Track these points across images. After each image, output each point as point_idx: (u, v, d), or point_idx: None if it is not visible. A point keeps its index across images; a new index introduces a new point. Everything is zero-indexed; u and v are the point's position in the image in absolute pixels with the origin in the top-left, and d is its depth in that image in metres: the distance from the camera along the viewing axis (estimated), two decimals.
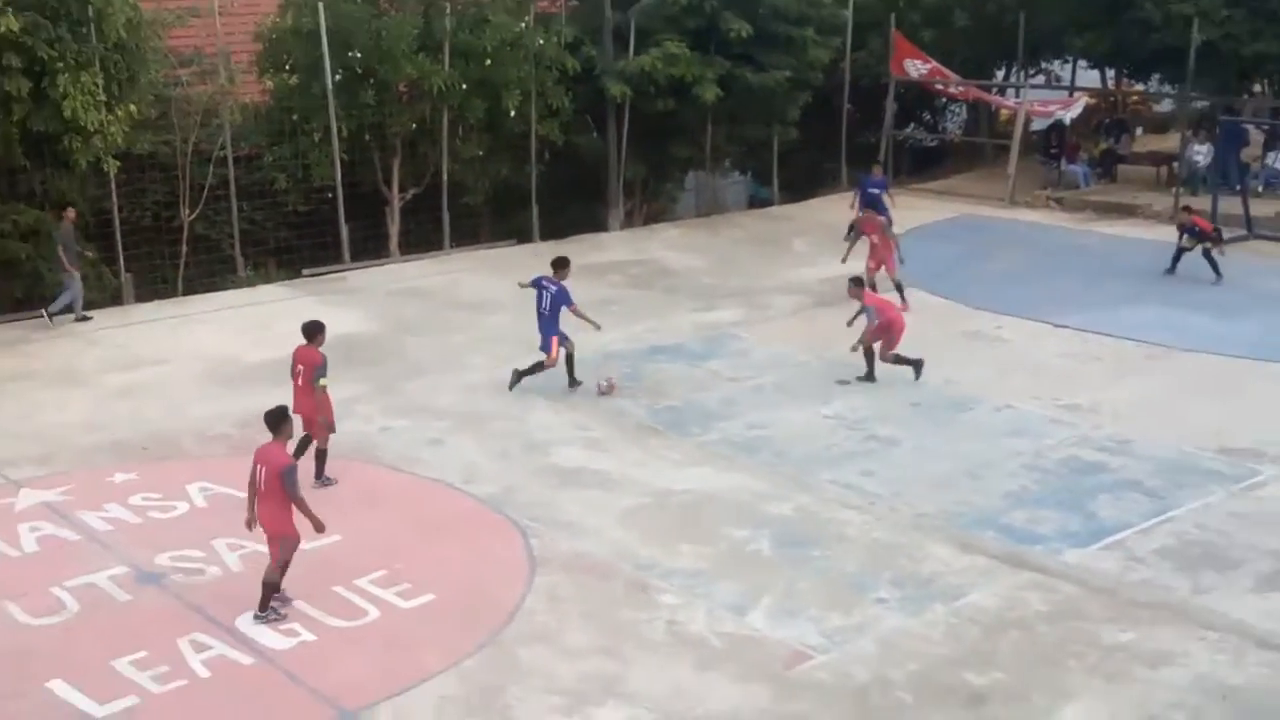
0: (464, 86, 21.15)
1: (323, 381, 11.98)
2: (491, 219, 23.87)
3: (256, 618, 9.79)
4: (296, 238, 21.10)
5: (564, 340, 14.85)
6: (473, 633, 9.63)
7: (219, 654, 9.36)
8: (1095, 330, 17.03)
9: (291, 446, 10.61)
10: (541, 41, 21.85)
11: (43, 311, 17.55)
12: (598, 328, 15.03)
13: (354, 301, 19.02)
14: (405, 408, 14.46)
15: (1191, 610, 9.91)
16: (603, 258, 21.68)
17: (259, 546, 10.93)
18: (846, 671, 9.11)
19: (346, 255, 21.04)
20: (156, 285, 19.61)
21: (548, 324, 14.81)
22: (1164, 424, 13.70)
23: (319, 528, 9.73)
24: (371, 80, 20.59)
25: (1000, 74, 30.43)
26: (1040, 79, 30.67)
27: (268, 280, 20.25)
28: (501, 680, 9.04)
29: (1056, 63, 31.04)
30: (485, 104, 21.45)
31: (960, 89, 28.34)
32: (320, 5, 20.01)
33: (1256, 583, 10.31)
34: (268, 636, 9.57)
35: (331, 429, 12.25)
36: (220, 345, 16.82)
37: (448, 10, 21.11)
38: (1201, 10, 24.36)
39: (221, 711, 8.79)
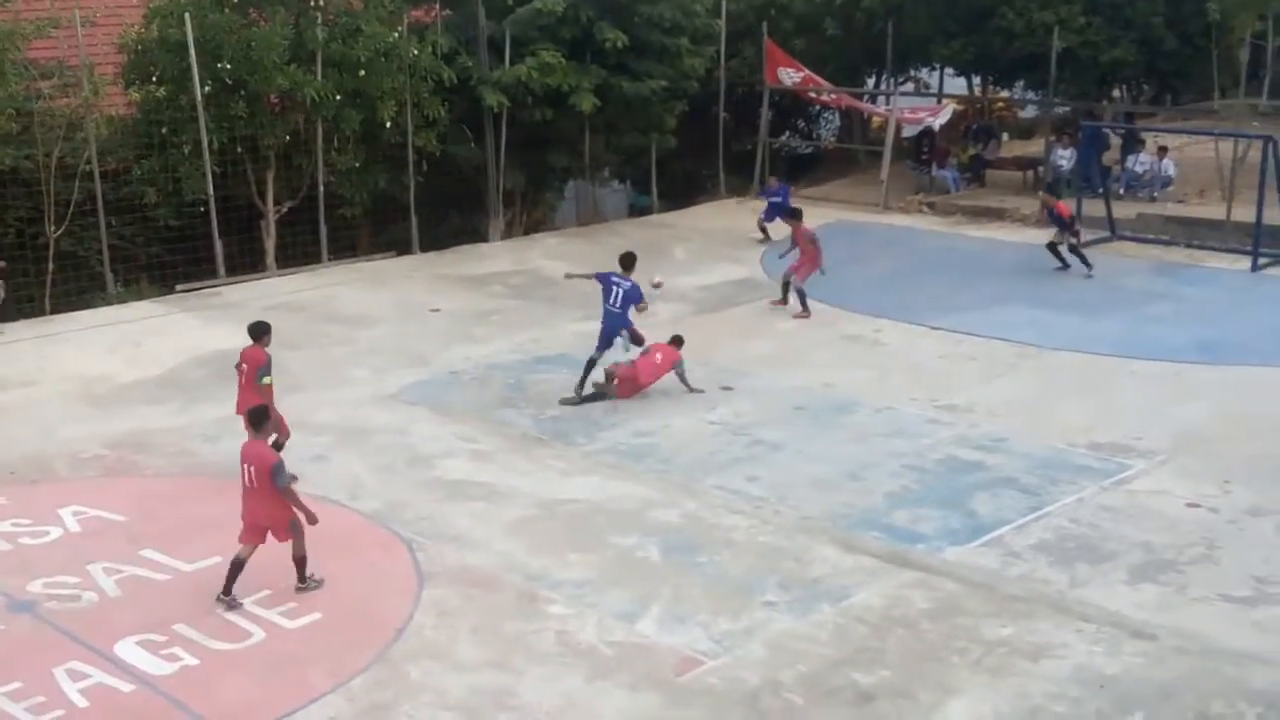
0: (338, 97, 20.88)
1: (267, 379, 12.10)
2: (370, 230, 23.61)
3: (298, 589, 10.23)
4: (169, 253, 20.62)
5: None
6: (361, 651, 9.50)
7: (97, 682, 9.09)
8: (969, 331, 17.41)
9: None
10: (416, 52, 21.68)
11: None
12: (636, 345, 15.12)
13: (230, 317, 18.61)
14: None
15: (1068, 603, 10.17)
16: (483, 268, 21.58)
17: (136, 570, 10.71)
18: (737, 676, 9.17)
19: (221, 270, 20.62)
20: (22, 305, 18.99)
21: (618, 319, 14.80)
22: (1037, 422, 14.06)
23: (312, 520, 10.11)
24: (242, 91, 20.22)
25: (871, 82, 31.00)
26: (909, 86, 31.33)
27: (139, 297, 19.76)
28: (391, 698, 8.92)
29: (925, 70, 31.73)
30: (360, 115, 21.21)
31: (833, 96, 28.80)
32: (187, 15, 19.59)
33: (1129, 574, 10.63)
34: (148, 662, 9.32)
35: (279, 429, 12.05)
36: (91, 364, 16.37)
37: (319, 20, 20.83)
38: (1061, 19, 25.13)
39: None
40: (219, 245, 20.56)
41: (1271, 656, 9.34)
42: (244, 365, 12.34)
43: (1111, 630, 9.72)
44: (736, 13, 27.47)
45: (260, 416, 10.42)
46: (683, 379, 14.93)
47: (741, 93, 28.54)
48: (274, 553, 11.00)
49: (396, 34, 21.49)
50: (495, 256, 22.47)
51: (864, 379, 15.60)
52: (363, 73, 21.01)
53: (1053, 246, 20.43)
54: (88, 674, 9.18)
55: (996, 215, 24.66)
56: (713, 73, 26.73)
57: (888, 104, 28.39)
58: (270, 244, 21.35)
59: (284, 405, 14.66)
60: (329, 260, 21.80)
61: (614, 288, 14.94)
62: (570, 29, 22.90)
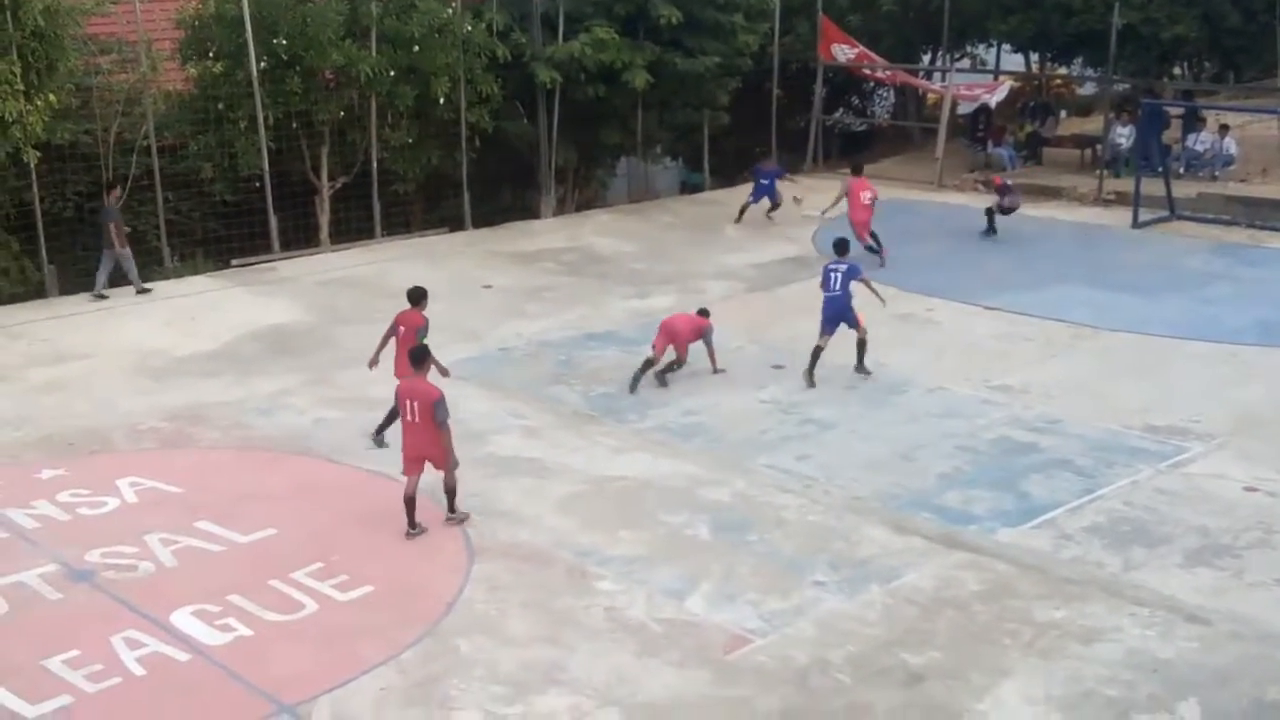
0: (392, 73, 20.96)
1: (424, 341, 12.42)
2: (423, 207, 23.70)
3: (448, 519, 11.06)
4: (224, 228, 20.81)
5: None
6: (412, 624, 9.58)
7: (153, 651, 9.23)
8: (1024, 311, 17.26)
9: (437, 380, 11.57)
10: (469, 28, 21.70)
11: (91, 294, 18.25)
12: (883, 303, 15.25)
13: (284, 292, 18.82)
14: (339, 399, 14.33)
15: (1122, 586, 10.08)
16: (535, 245, 21.62)
17: (192, 541, 10.86)
18: (786, 654, 9.17)
19: (276, 245, 20.79)
20: (81, 278, 19.24)
21: (841, 303, 14.79)
22: (1092, 403, 13.93)
23: (455, 463, 10.98)
24: (297, 67, 20.32)
25: (926, 58, 30.69)
26: (965, 63, 31.00)
27: (195, 271, 19.96)
28: (442, 671, 9.00)
29: (981, 47, 31.37)
30: (414, 91, 21.27)
31: (887, 73, 28.57)
32: None
33: (1184, 558, 10.52)
34: (203, 632, 9.45)
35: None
36: (148, 338, 16.57)
37: None
38: None
39: (157, 709, 8.67)
40: (274, 220, 20.73)
41: None
42: (401, 328, 12.90)
43: (1165, 614, 9.63)
44: None
45: (422, 355, 11.28)
46: (710, 353, 14.82)
47: (795, 69, 28.35)
48: (325, 525, 11.14)
49: (450, 10, 21.52)
50: (547, 233, 22.51)
51: (917, 359, 15.51)
52: (416, 49, 21.06)
53: (989, 211, 21.21)
54: (144, 643, 9.32)
55: (1054, 194, 24.39)
56: (766, 49, 26.58)
57: (943, 80, 28.13)
58: (324, 219, 21.49)
59: (339, 380, 14.88)
60: (382, 236, 21.92)
61: (832, 275, 14.89)
62: (624, 5, 22.83)
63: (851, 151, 30.17)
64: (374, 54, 20.76)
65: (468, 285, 19.14)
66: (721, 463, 12.53)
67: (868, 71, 28.81)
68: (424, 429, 10.86)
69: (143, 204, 20.03)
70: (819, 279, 15.15)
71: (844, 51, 27.09)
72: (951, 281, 18.72)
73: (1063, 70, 31.34)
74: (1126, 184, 23.23)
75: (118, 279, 18.65)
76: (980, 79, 28.96)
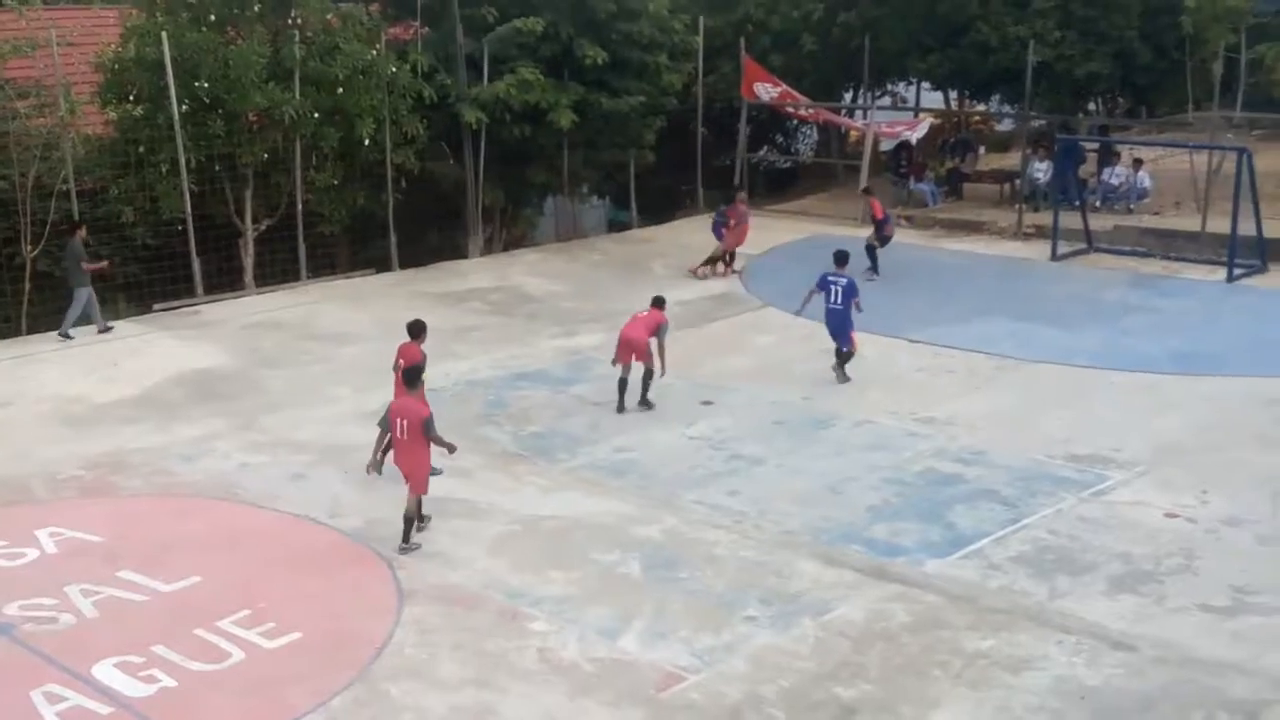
0: (316, 115, 20.87)
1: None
2: (349, 248, 23.57)
3: (401, 549, 11.24)
4: (146, 272, 20.53)
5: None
6: (341, 670, 9.45)
7: (75, 705, 9.01)
8: (948, 344, 17.45)
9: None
10: (394, 69, 21.68)
11: (58, 333, 18.32)
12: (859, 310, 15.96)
13: (208, 335, 18.59)
14: (265, 443, 14.16)
15: (1048, 615, 10.19)
16: (463, 285, 21.56)
17: (114, 591, 10.65)
18: (719, 691, 9.16)
19: (199, 289, 20.56)
20: (1, 325, 18.89)
21: (841, 317, 15.76)
22: (1016, 434, 14.10)
23: (452, 449, 11.63)
24: (220, 110, 20.17)
25: (848, 96, 31.13)
26: (886, 101, 31.47)
27: (116, 316, 19.66)
28: (372, 717, 8.88)
29: (901, 85, 31.89)
30: (338, 132, 21.19)
31: (810, 111, 28.91)
32: (164, 34, 19.56)
33: (1108, 585, 10.65)
34: (126, 684, 9.25)
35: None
36: (68, 385, 16.28)
37: (297, 38, 20.81)
38: (1036, 33, 25.30)
39: None
40: (197, 264, 20.50)
41: (1250, 666, 9.38)
42: (401, 360, 13.07)
43: (1091, 641, 9.74)
44: (714, 29, 27.57)
45: (415, 375, 11.90)
46: (660, 351, 14.87)
47: (719, 108, 28.63)
48: (251, 571, 10.97)
49: (375, 52, 21.49)
50: (475, 273, 22.46)
51: (843, 392, 15.62)
52: (341, 90, 21.00)
53: (870, 249, 20.92)
54: (65, 696, 9.10)
55: (974, 228, 24.76)
56: (691, 88, 26.84)
57: (865, 118, 28.51)
58: (249, 262, 21.28)
59: (265, 424, 14.69)
60: (308, 278, 21.75)
61: (832, 288, 15.79)
62: (550, 46, 22.96)
63: (777, 188, 30.50)
64: (298, 96, 20.66)
65: (395, 326, 18.90)
66: (652, 500, 12.52)
67: (791, 110, 29.15)
68: (411, 445, 11.38)
69: (62, 249, 19.69)
70: (815, 282, 16.01)
71: (767, 90, 27.39)
72: (876, 316, 18.79)
73: (981, 107, 31.98)
74: (1045, 218, 23.66)
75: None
76: (901, 116, 29.39)
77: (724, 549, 11.41)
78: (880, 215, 21.31)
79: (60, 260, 18.91)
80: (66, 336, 18.28)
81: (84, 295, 18.46)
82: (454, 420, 14.78)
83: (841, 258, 16.27)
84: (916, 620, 10.10)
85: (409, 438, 11.41)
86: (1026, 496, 12.42)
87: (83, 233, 18.71)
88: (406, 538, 11.41)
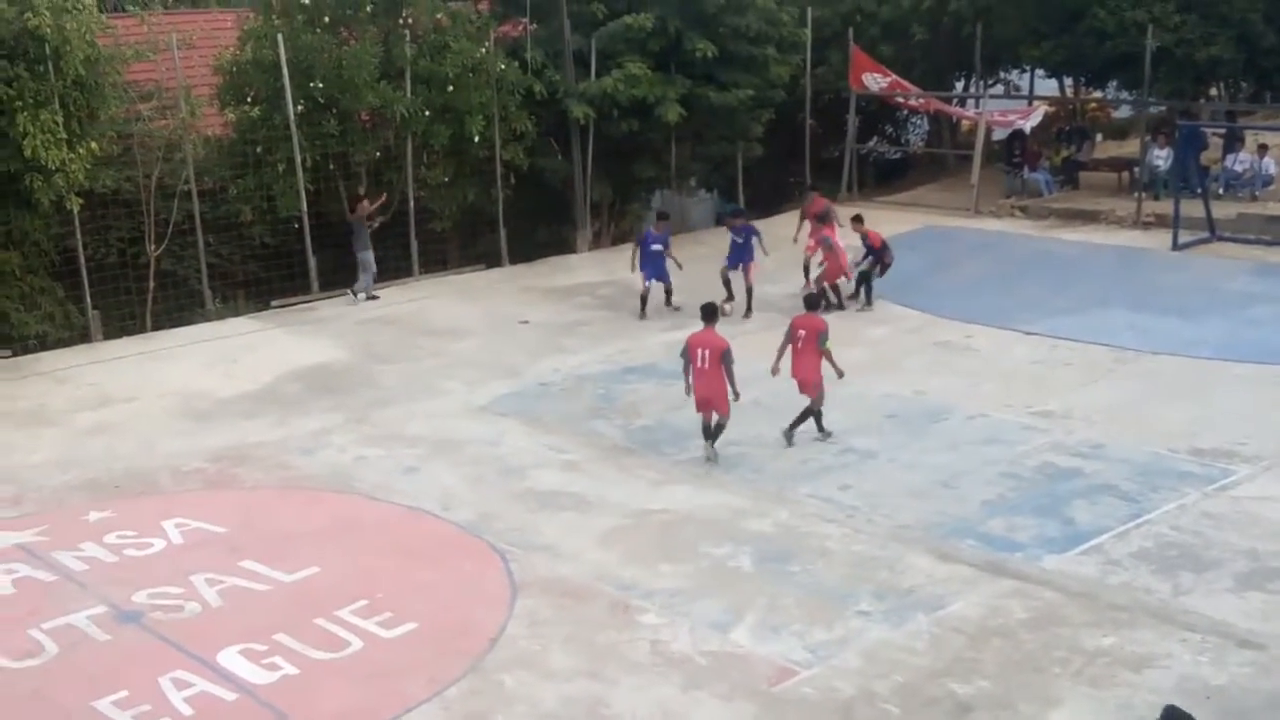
0: (427, 113, 21.16)
1: (828, 344, 13.54)
2: (459, 244, 23.85)
3: (708, 454, 13.12)
4: (264, 270, 21.01)
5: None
6: (456, 660, 9.59)
7: (201, 691, 9.27)
8: (1064, 336, 17.16)
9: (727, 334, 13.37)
10: (503, 66, 21.89)
11: (349, 291, 20.58)
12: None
13: (323, 331, 18.97)
14: (379, 436, 14.41)
15: (1171, 612, 9.97)
16: (571, 279, 21.71)
17: (237, 580, 10.93)
18: (832, 686, 9.11)
19: (315, 285, 20.97)
20: (124, 322, 19.48)
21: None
22: (1136, 427, 13.81)
23: (737, 396, 13.01)
24: (334, 110, 20.56)
25: (959, 85, 30.68)
26: (999, 89, 30.95)
27: (236, 313, 20.16)
28: (486, 707, 9.00)
29: (1014, 73, 31.33)
30: (449, 130, 21.45)
31: (920, 101, 28.55)
32: (280, 37, 19.99)
33: (1234, 582, 10.39)
34: (250, 671, 9.49)
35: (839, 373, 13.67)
36: (190, 380, 16.73)
37: (408, 38, 21.13)
38: (1155, 17, 24.64)
39: None
40: (313, 261, 20.92)
41: None
42: (802, 331, 13.64)
43: (1217, 639, 9.51)
44: (822, 20, 27.35)
45: (711, 310, 13.44)
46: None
47: (828, 99, 28.40)
48: (368, 563, 11.19)
49: (484, 49, 21.72)
50: (583, 268, 22.59)
51: (956, 386, 15.44)
52: (451, 88, 21.26)
53: (864, 277, 19.13)
54: (192, 683, 9.37)
55: (1091, 218, 24.26)
56: (799, 80, 26.65)
57: (977, 107, 28.09)
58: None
59: (379, 419, 14.95)
60: (419, 274, 22.07)
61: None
62: (657, 40, 22.96)
63: (887, 180, 30.19)
64: (409, 94, 20.97)
65: (505, 321, 19.23)
66: (763, 493, 12.50)
67: (900, 100, 28.81)
68: (712, 374, 12.91)
69: (184, 248, 20.27)
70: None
71: (876, 80, 27.12)
72: (989, 307, 18.64)
73: (1097, 94, 31.25)
74: (1165, 206, 23.08)
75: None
76: (1014, 105, 28.90)
77: (836, 543, 11.35)
78: (878, 244, 19.30)
79: (346, 234, 20.79)
80: (373, 297, 20.55)
81: (369, 260, 20.39)
82: (563, 414, 14.95)
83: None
84: (1034, 617, 9.94)
85: (709, 366, 12.93)
86: (1148, 491, 12.16)
87: (365, 203, 20.51)
88: (715, 438, 13.22)
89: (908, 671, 9.25)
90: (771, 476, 12.92)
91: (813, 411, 13.63)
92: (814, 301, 14.61)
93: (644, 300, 18.99)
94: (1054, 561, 10.86)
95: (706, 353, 13.04)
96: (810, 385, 13.57)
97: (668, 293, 19.22)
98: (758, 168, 26.88)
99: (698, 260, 21.89)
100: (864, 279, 19.22)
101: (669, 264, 19.21)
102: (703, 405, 13.25)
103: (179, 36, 19.75)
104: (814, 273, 19.31)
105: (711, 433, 13.29)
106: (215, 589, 10.80)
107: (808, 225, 20.12)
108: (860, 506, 12.10)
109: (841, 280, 19.09)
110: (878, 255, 19.34)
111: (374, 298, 20.58)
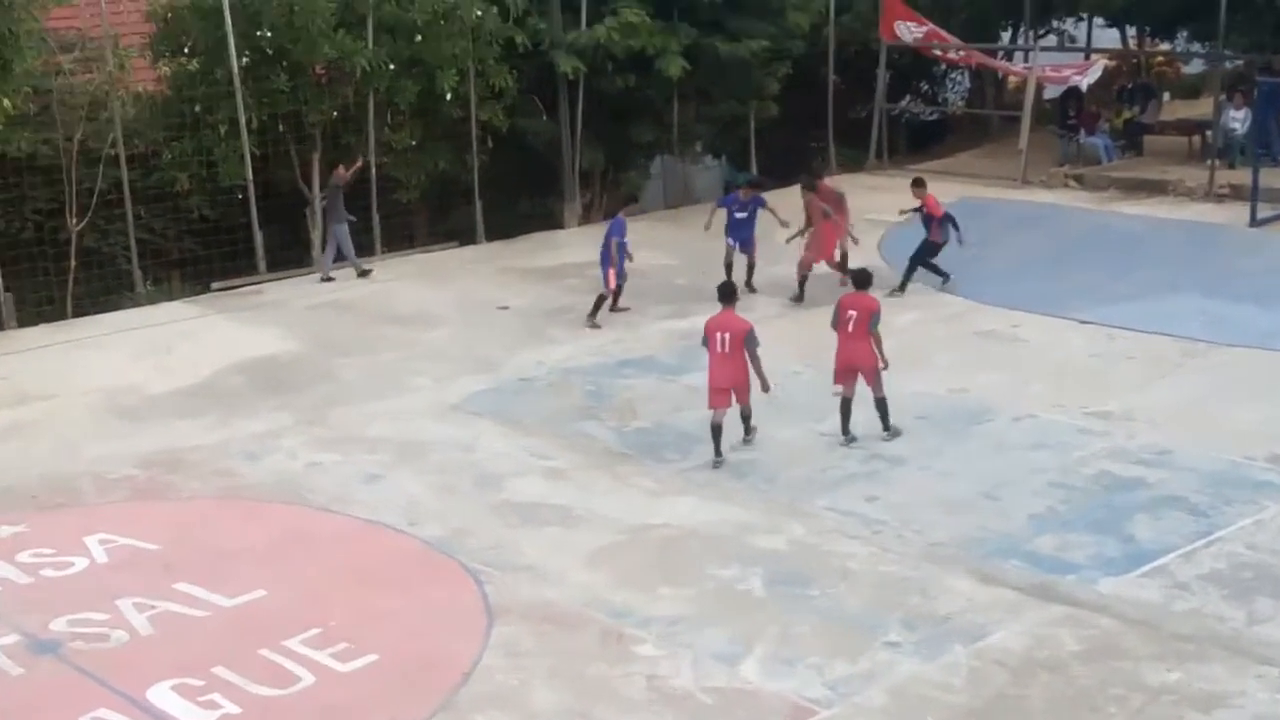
0: (392, 67, 21.15)
1: (879, 327, 13.77)
2: (429, 218, 23.88)
3: (745, 441, 13.72)
4: (202, 247, 21.03)
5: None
6: (423, 697, 9.60)
7: None
8: (1125, 325, 17.18)
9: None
10: (480, 13, 21.86)
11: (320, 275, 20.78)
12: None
13: (272, 318, 18.97)
14: (335, 439, 14.42)
15: (1245, 643, 9.98)
16: (558, 258, 21.72)
17: (171, 605, 10.93)
18: None
19: (262, 265, 20.98)
20: (41, 307, 19.49)
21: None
22: (1208, 431, 13.83)
23: (766, 387, 13.39)
24: (284, 63, 20.55)
25: (1006, 36, 30.70)
26: (1051, 41, 30.97)
27: (171, 297, 20.16)
28: None
29: (1069, 22, 31.35)
30: (417, 86, 21.46)
31: (961, 54, 28.57)
32: None
33: None
34: (184, 710, 9.49)
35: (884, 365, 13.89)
36: (118, 374, 16.73)
37: None
38: None
39: None
40: (259, 237, 20.94)
41: None
42: (852, 312, 13.76)
43: None
44: None
45: (730, 291, 13.90)
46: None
47: (854, 52, 28.42)
48: (322, 585, 11.19)
49: None
50: (572, 245, 22.59)
51: (1001, 382, 15.46)
52: (419, 38, 21.27)
53: (921, 256, 19.08)
54: None
55: (1157, 188, 24.29)
56: (821, 30, 26.65)
57: (1026, 61, 28.09)
58: (316, 235, 21.66)
59: (335, 419, 14.95)
60: (383, 252, 22.08)
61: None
62: None
63: (922, 145, 30.17)
64: (371, 45, 20.95)
65: (481, 306, 19.24)
66: (777, 506, 12.51)
67: (938, 53, 28.82)
68: (733, 359, 13.23)
69: (110, 222, 20.27)
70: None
71: (910, 30, 27.12)
72: (1039, 292, 18.65)
73: (1165, 46, 31.26)
74: (1242, 176, 23.11)
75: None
76: (1069, 58, 28.92)
77: (860, 563, 11.36)
78: (939, 215, 18.97)
79: (321, 199, 21.24)
80: (329, 278, 20.62)
81: (343, 233, 20.55)
82: (547, 414, 14.96)
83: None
84: (1088, 648, 9.96)
85: (731, 351, 13.20)
86: (1220, 504, 12.18)
87: (342, 170, 20.66)
88: (748, 430, 13.70)
89: (942, 711, 9.26)
90: (785, 487, 12.93)
91: (882, 401, 13.77)
92: (865, 279, 14.41)
93: (728, 268, 18.93)
94: (1111, 585, 10.87)
95: (727, 336, 13.26)
96: (871, 371, 13.69)
97: (750, 267, 19.39)
98: (773, 130, 26.88)
99: (706, 237, 21.88)
100: (919, 258, 19.07)
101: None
102: (719, 398, 13.37)
103: None
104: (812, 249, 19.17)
105: (743, 426, 13.68)
106: (145, 615, 10.79)
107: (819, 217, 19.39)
108: (888, 521, 12.11)
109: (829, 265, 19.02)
110: (935, 226, 19.11)
111: (330, 279, 20.70)
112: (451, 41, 21.56)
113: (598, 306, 18.17)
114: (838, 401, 14.40)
